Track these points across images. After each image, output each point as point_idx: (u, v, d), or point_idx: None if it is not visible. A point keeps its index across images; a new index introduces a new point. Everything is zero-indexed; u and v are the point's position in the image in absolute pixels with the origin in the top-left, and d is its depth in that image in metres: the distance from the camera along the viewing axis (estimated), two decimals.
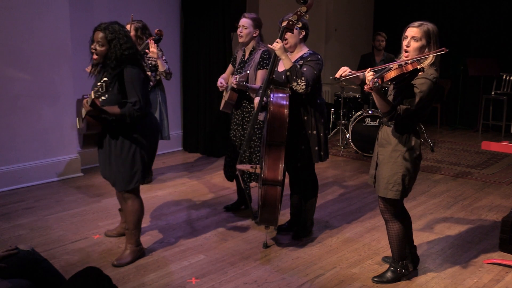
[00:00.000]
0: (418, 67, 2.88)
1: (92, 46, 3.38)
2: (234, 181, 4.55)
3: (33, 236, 4.00)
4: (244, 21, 4.12)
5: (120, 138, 3.39)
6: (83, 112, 3.36)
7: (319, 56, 3.75)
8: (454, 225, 4.35)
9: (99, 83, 3.15)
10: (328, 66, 8.20)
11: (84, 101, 3.27)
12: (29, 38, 5.07)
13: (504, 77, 8.15)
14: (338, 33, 8.76)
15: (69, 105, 5.45)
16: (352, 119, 6.55)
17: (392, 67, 2.96)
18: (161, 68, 4.84)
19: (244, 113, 4.24)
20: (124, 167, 3.42)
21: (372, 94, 2.95)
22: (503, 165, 6.34)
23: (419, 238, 4.06)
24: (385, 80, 2.90)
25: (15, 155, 5.14)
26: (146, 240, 3.94)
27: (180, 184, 5.38)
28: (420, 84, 2.93)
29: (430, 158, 6.63)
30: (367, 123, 6.35)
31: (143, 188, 4.98)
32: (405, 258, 3.34)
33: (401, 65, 2.90)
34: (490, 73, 8.10)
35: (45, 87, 5.26)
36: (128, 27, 4.94)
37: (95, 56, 3.38)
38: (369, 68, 2.97)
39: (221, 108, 4.38)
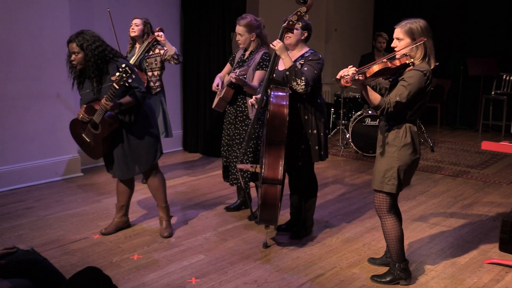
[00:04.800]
0: (407, 61, 2.97)
1: (72, 58, 3.64)
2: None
3: (33, 236, 4.00)
4: (238, 29, 4.15)
5: (135, 123, 3.74)
6: (98, 115, 3.59)
7: (320, 56, 3.75)
8: (454, 225, 4.35)
9: (120, 71, 3.43)
10: (328, 66, 8.20)
11: (102, 100, 3.49)
12: (29, 38, 5.07)
13: (504, 77, 8.15)
14: (338, 33, 8.76)
15: (69, 105, 5.46)
16: (352, 119, 6.55)
17: (377, 62, 3.00)
18: (170, 51, 4.92)
19: (238, 111, 4.24)
20: (146, 145, 3.78)
21: (361, 89, 3.03)
22: (503, 165, 6.34)
23: (419, 238, 4.06)
24: (368, 75, 2.95)
25: (15, 155, 5.14)
26: (146, 240, 3.95)
27: (180, 184, 5.38)
28: (409, 77, 2.98)
29: (430, 158, 6.63)
30: (367, 123, 6.35)
31: (143, 188, 4.99)
32: (404, 261, 3.31)
33: (388, 60, 2.96)
34: (490, 73, 8.10)
35: (45, 87, 5.26)
36: (137, 21, 4.94)
37: (75, 65, 3.65)
38: (351, 65, 3.06)
39: (213, 106, 4.39)
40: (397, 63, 2.99)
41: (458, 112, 8.68)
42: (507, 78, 8.13)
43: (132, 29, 5.00)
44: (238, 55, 4.32)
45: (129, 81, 3.45)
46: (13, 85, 5.04)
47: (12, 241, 3.85)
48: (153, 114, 3.90)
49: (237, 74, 3.96)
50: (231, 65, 4.37)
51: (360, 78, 2.91)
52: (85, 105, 3.65)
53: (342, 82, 2.97)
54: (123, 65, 3.42)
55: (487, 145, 3.58)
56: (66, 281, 2.35)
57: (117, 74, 3.44)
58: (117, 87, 3.45)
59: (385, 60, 2.98)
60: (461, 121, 8.72)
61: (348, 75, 2.93)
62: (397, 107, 2.99)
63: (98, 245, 3.84)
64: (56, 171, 5.44)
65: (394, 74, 3.10)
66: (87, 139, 3.78)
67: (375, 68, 2.94)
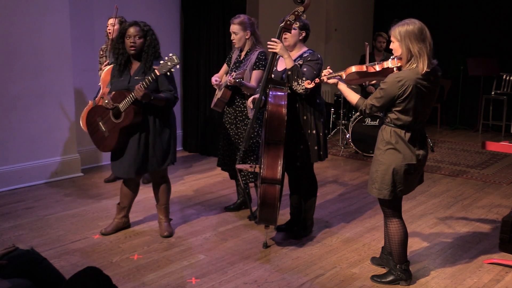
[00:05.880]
0: (390, 66, 3.04)
1: (131, 41, 3.61)
2: (234, 181, 4.57)
3: (33, 236, 4.00)
4: (233, 27, 4.16)
5: (161, 122, 3.73)
6: (125, 103, 3.57)
7: (318, 56, 3.75)
8: (454, 225, 4.35)
9: (166, 58, 3.43)
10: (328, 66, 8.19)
11: (137, 86, 3.48)
12: (29, 38, 5.07)
13: (504, 77, 8.15)
14: (338, 33, 8.76)
15: (69, 105, 5.46)
16: (352, 119, 6.55)
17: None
18: None
19: (237, 112, 4.25)
20: (162, 147, 3.76)
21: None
22: (503, 165, 6.34)
23: (419, 238, 4.06)
24: (345, 76, 3.13)
25: (15, 155, 5.14)
26: (146, 240, 3.95)
27: (180, 184, 5.38)
28: (384, 82, 3.01)
29: (430, 158, 6.62)
30: (367, 123, 6.35)
31: (142, 188, 4.99)
32: (405, 262, 3.30)
33: (370, 64, 3.09)
34: (490, 73, 8.10)
35: (45, 87, 5.26)
36: (112, 20, 4.92)
37: (133, 49, 3.62)
38: (328, 67, 3.27)
39: (212, 106, 4.40)
40: (378, 67, 3.06)
41: (458, 112, 8.68)
42: (507, 78, 8.13)
43: (109, 29, 4.94)
44: (234, 56, 4.33)
45: (172, 70, 3.44)
46: (13, 85, 5.04)
47: (12, 241, 3.84)
48: (174, 122, 3.89)
49: (233, 77, 3.98)
50: (228, 66, 4.37)
51: (329, 81, 3.17)
52: (113, 92, 3.64)
53: (305, 83, 3.29)
54: (171, 54, 3.43)
55: (491, 146, 3.58)
56: (66, 281, 2.35)
57: (162, 62, 3.44)
58: (157, 74, 3.44)
59: (365, 64, 3.12)
60: (461, 121, 8.71)
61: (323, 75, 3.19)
62: (372, 110, 3.06)
63: (98, 245, 3.84)
64: (56, 171, 5.44)
65: (384, 77, 3.10)
66: (103, 128, 3.74)
67: (352, 69, 3.10)
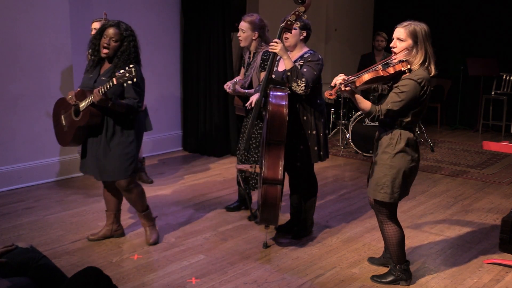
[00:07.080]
0: (402, 68, 2.91)
1: (105, 41, 3.52)
2: (235, 181, 4.57)
3: (33, 236, 4.00)
4: (242, 25, 4.14)
5: (122, 129, 3.58)
6: (85, 103, 3.48)
7: (319, 56, 3.75)
8: (454, 225, 4.35)
9: (126, 69, 3.31)
10: (328, 66, 8.19)
11: (96, 90, 3.38)
12: (29, 38, 5.07)
13: (504, 77, 8.15)
14: (338, 33, 8.76)
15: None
16: (352, 119, 6.55)
17: (370, 69, 2.99)
18: None
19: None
20: (123, 156, 3.59)
21: (350, 97, 3.04)
22: (503, 165, 6.34)
23: (419, 238, 4.06)
24: (358, 84, 2.95)
25: (15, 155, 5.14)
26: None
27: (180, 184, 5.38)
28: (403, 85, 2.92)
29: (430, 158, 6.63)
30: (367, 123, 6.35)
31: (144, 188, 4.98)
32: (404, 262, 3.30)
33: (382, 67, 2.94)
34: (490, 73, 8.10)
35: (45, 87, 5.26)
36: (97, 24, 4.89)
37: (105, 51, 3.53)
38: (341, 74, 3.04)
39: (236, 112, 4.44)
40: (391, 70, 2.93)
41: (458, 112, 8.68)
42: (507, 78, 8.13)
43: (93, 34, 4.89)
44: (246, 58, 4.34)
45: (129, 82, 3.31)
46: (13, 85, 5.04)
47: (12, 241, 3.82)
48: (141, 134, 3.76)
49: (230, 89, 4.08)
50: (244, 67, 4.37)
51: (346, 89, 2.95)
52: (79, 89, 3.57)
53: (326, 95, 3.03)
54: (131, 66, 3.31)
55: (491, 146, 3.57)
56: (66, 281, 2.35)
57: (122, 71, 3.33)
58: (114, 83, 3.30)
59: (378, 68, 2.95)
60: (461, 121, 8.71)
61: (337, 85, 2.97)
62: (388, 115, 2.97)
63: (98, 245, 3.84)
64: (56, 171, 5.44)
65: (392, 79, 3.05)
66: (63, 122, 3.69)
67: (366, 77, 2.94)
